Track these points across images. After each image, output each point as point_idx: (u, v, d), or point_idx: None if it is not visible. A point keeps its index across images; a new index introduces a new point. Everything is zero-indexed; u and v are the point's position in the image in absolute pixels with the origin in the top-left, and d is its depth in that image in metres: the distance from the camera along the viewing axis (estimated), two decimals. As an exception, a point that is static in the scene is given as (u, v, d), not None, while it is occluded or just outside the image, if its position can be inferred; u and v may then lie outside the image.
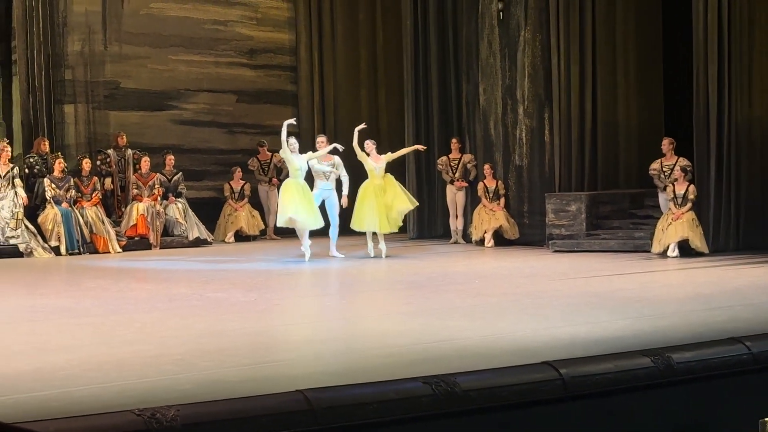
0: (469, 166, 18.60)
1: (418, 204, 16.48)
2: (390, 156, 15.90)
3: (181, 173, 19.53)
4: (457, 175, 18.65)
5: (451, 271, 13.75)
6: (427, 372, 6.05)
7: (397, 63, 21.40)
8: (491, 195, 17.92)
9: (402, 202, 15.68)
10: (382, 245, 15.49)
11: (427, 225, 19.81)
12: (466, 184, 18.65)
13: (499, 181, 17.96)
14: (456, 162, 18.69)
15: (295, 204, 14.97)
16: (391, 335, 8.04)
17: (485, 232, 17.74)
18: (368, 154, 15.67)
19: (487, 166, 18.04)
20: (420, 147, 17.12)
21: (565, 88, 17.32)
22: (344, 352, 7.30)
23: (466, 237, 18.46)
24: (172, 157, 19.57)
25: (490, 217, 17.79)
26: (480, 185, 18.11)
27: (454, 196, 18.74)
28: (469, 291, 11.20)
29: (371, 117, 22.93)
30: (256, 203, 20.58)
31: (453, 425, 5.83)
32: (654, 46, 18.56)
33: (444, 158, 18.86)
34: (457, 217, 18.74)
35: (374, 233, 15.64)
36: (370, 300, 10.56)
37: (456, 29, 19.26)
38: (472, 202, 18.48)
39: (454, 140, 18.80)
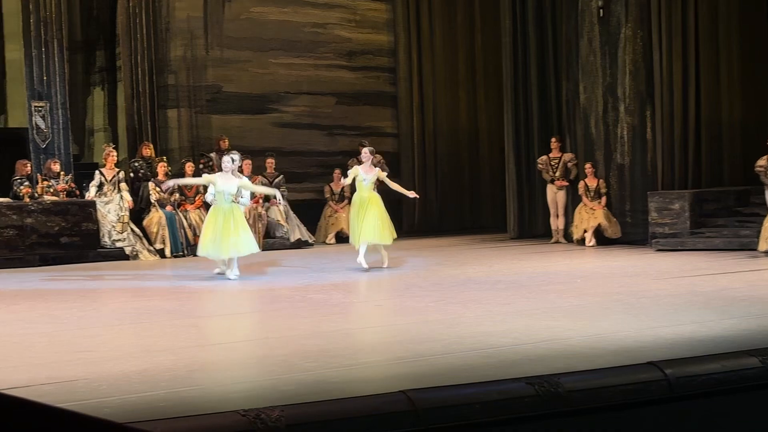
0: (569, 165, 18.46)
1: (390, 242, 14.70)
2: (383, 176, 14.99)
3: (282, 175, 19.71)
4: (557, 174, 18.52)
5: (552, 271, 13.65)
6: (530, 372, 6.02)
7: (495, 63, 21.34)
8: (592, 194, 17.75)
9: (389, 225, 14.68)
10: (383, 255, 14.60)
11: (527, 224, 19.70)
12: (567, 184, 18.51)
13: (601, 180, 17.78)
14: (556, 161, 18.56)
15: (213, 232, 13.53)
16: (493, 335, 8.01)
17: (585, 231, 17.59)
18: (361, 162, 14.91)
19: (588, 165, 17.87)
20: (412, 194, 16.11)
21: (668, 85, 17.08)
22: (446, 353, 7.28)
23: (568, 236, 18.32)
24: (273, 159, 19.76)
25: (590, 215, 17.64)
26: (581, 184, 17.96)
27: (555, 196, 18.61)
28: (571, 291, 11.11)
29: (470, 117, 22.94)
30: (357, 205, 20.64)
31: (556, 426, 5.79)
32: (758, 40, 18.21)
33: (544, 157, 18.74)
34: (557, 216, 18.61)
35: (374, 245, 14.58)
36: (471, 300, 10.53)
37: (555, 27, 19.14)
38: (572, 201, 18.34)
39: (554, 139, 18.68)
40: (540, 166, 18.82)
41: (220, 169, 18.32)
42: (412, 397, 5.40)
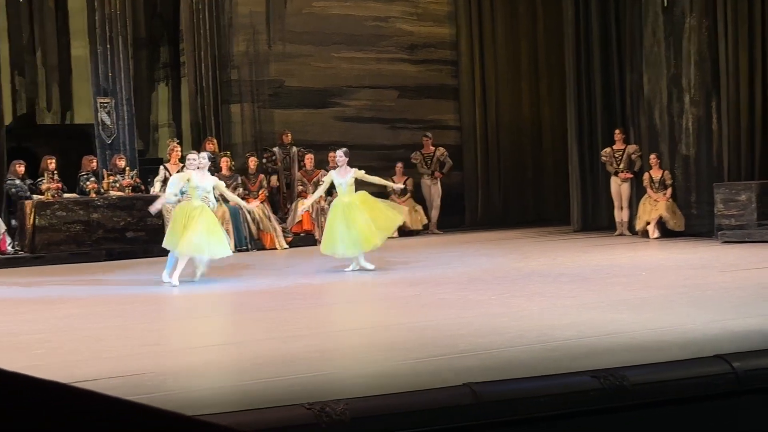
0: (633, 156, 18.31)
1: (403, 219, 14.35)
2: (361, 174, 14.16)
3: (344, 169, 19.75)
4: (621, 166, 18.38)
5: (616, 264, 13.56)
6: (594, 366, 5.99)
7: (558, 54, 21.23)
8: (657, 185, 17.60)
9: (384, 219, 13.63)
10: (361, 262, 13.53)
11: (591, 217, 19.58)
12: (631, 175, 18.36)
13: (665, 172, 17.62)
14: (620, 153, 18.42)
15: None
16: (557, 328, 7.98)
17: (648, 223, 17.44)
18: (335, 167, 14.04)
19: (652, 156, 17.71)
20: (399, 186, 15.83)
21: (733, 75, 16.88)
22: (509, 346, 7.27)
23: (632, 229, 18.18)
24: (336, 153, 19.80)
25: (652, 207, 17.49)
26: (645, 176, 17.80)
27: (619, 188, 18.48)
28: (636, 283, 11.03)
29: (532, 109, 22.85)
30: (419, 198, 20.67)
31: (621, 420, 5.76)
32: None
33: (608, 149, 18.61)
34: (622, 208, 18.47)
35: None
36: (535, 293, 10.49)
37: (618, 18, 18.97)
38: (637, 193, 18.20)
39: (617, 131, 18.54)
40: (604, 158, 18.69)
41: (283, 164, 18.42)
42: (476, 390, 5.40)
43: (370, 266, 13.39)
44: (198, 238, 12.45)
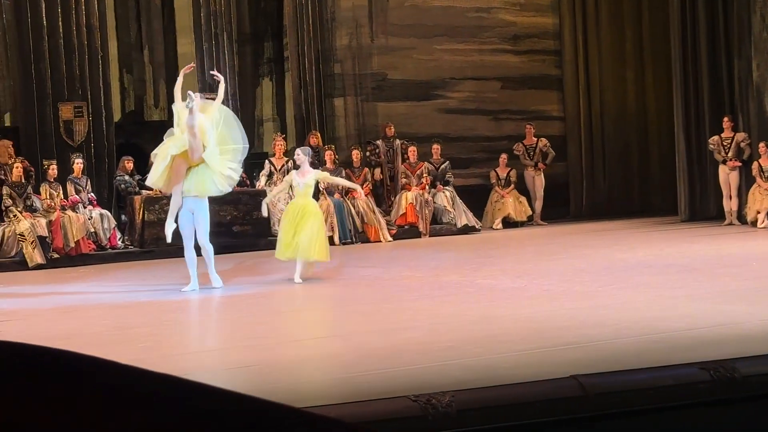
0: (742, 145, 17.97)
1: (327, 260, 12.64)
2: (324, 176, 13.62)
3: (448, 161, 19.73)
4: (729, 154, 18.05)
5: (725, 254, 13.33)
6: (704, 357, 5.90)
7: (664, 42, 20.90)
8: (766, 174, 17.25)
9: (311, 248, 12.21)
10: (298, 269, 12.21)
11: (699, 206, 19.26)
12: (740, 164, 18.02)
13: (776, 160, 17.28)
14: (729, 141, 18.09)
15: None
16: (664, 320, 7.88)
17: (758, 213, 17.11)
18: (298, 167, 12.94)
19: (761, 145, 17.35)
20: (359, 191, 15.21)
21: None
22: (617, 338, 7.20)
23: (741, 218, 17.84)
24: (439, 146, 19.80)
25: (764, 196, 17.15)
26: (754, 165, 17.46)
27: (727, 177, 18.14)
28: (746, 274, 10.83)
29: (638, 98, 22.55)
30: (523, 189, 20.56)
31: (731, 412, 5.65)
32: None
33: (716, 137, 18.29)
34: (730, 197, 18.14)
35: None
36: (641, 284, 10.37)
37: (726, 4, 18.61)
38: (746, 181, 17.85)
39: (726, 119, 18.20)
40: (711, 146, 18.37)
41: (387, 157, 18.40)
42: (583, 383, 5.35)
43: (299, 280, 12.10)
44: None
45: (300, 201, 12.48)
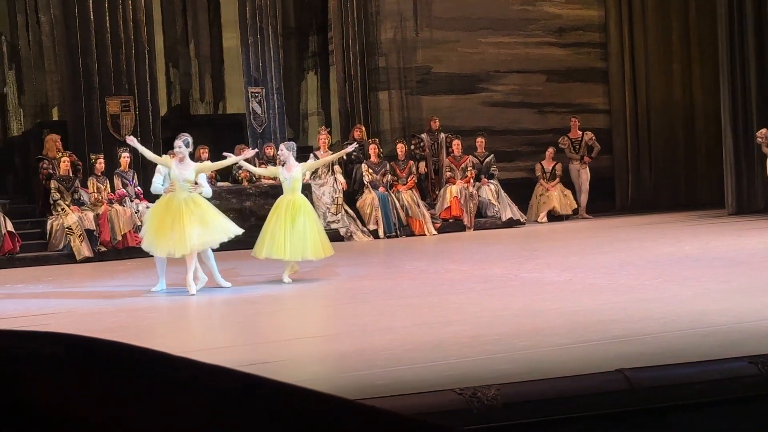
0: (790, 137, 17.80)
1: (331, 253, 12.14)
2: (309, 164, 13.10)
3: (492, 155, 19.70)
4: (778, 147, 17.88)
5: (773, 247, 13.20)
6: (752, 351, 5.85)
7: (711, 34, 20.74)
8: (815, 167, 17.09)
9: (303, 245, 11.72)
10: (286, 271, 11.90)
11: (746, 199, 19.10)
12: (788, 157, 17.86)
13: (824, 153, 17.10)
14: (777, 134, 17.92)
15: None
16: (711, 313, 7.82)
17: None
18: (283, 164, 12.33)
19: (810, 137, 17.19)
20: (348, 149, 14.48)
21: None
22: (663, 331, 7.15)
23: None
24: (483, 139, 19.77)
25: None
26: (803, 157, 17.30)
27: (775, 170, 17.99)
28: (794, 268, 10.73)
29: (684, 91, 22.40)
30: (568, 182, 20.49)
31: (781, 407, 5.61)
32: None
33: (763, 130, 18.09)
34: (779, 190, 17.98)
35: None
36: (688, 278, 10.30)
37: (773, -5, 18.46)
38: (795, 175, 17.68)
39: (773, 111, 18.05)
40: (759, 139, 18.19)
41: (431, 150, 18.39)
42: (629, 376, 5.33)
43: (288, 280, 11.79)
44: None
45: (288, 197, 11.96)
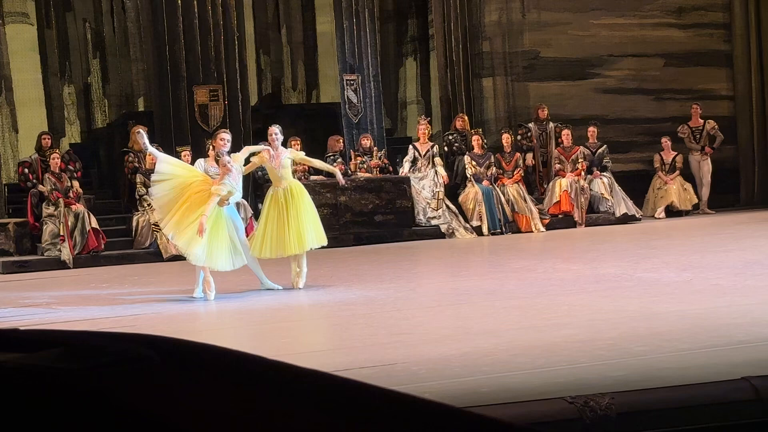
0: None
1: (324, 242, 11.89)
2: (300, 156, 12.53)
3: (605, 145, 19.55)
4: None
5: None
6: None
7: None
8: None
9: (301, 237, 11.56)
10: (303, 268, 11.79)
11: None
12: None
13: None
14: None
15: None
16: None
17: None
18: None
19: None
20: (338, 176, 13.29)
21: None
22: (793, 337, 7.04)
23: None
24: (596, 128, 19.62)
25: None
26: None
27: None
28: None
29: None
30: (688, 175, 20.24)
31: None
32: None
33: None
34: None
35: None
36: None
37: None
38: None
39: None
40: None
41: (539, 141, 18.26)
42: (756, 385, 5.26)
43: (278, 286, 11.69)
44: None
45: (279, 187, 11.75)
